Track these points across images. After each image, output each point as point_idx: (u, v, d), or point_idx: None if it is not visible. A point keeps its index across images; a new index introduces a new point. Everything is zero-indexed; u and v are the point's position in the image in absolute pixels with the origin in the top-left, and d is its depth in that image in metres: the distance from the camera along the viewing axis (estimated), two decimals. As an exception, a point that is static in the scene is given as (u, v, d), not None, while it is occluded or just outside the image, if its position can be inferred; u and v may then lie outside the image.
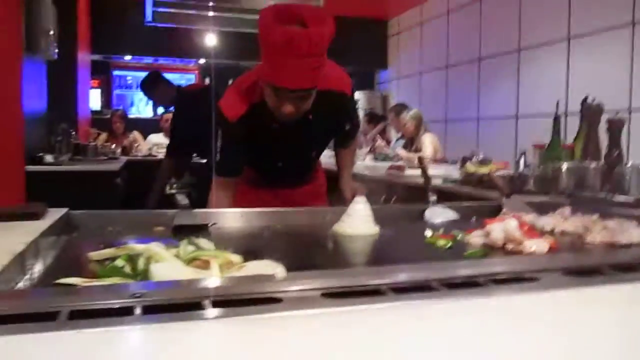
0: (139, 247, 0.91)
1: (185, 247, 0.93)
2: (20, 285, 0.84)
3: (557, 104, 2.44)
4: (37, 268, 0.95)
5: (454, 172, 2.95)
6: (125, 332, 0.57)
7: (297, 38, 1.55)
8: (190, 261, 0.88)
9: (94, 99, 7.57)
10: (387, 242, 1.34)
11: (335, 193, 2.23)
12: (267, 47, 1.60)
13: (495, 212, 1.58)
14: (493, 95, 5.69)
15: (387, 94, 8.11)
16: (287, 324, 0.60)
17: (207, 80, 8.14)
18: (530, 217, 1.47)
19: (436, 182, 2.64)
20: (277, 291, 0.67)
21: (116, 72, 8.30)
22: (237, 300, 0.64)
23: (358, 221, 1.34)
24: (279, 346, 0.55)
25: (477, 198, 2.25)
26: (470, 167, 2.59)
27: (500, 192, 1.71)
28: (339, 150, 2.23)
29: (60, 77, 4.78)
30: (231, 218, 1.47)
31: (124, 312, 0.62)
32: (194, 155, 4.03)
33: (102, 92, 7.93)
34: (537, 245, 1.12)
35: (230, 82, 2.09)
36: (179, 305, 0.63)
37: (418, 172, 1.99)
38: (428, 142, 4.94)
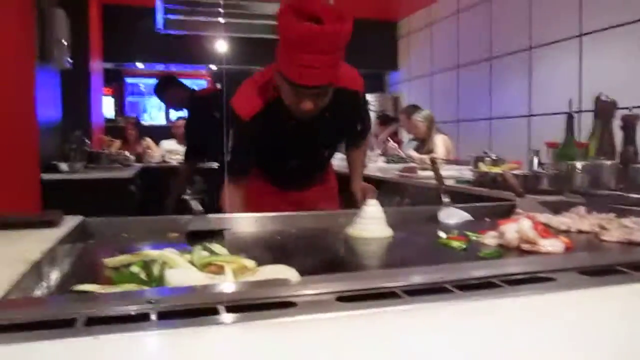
0: (153, 253, 0.92)
1: (199, 253, 0.94)
2: (38, 292, 0.85)
3: (570, 102, 2.43)
4: (54, 275, 0.96)
5: (467, 172, 2.93)
6: (141, 338, 0.57)
7: (316, 35, 1.59)
8: (204, 267, 0.88)
9: (107, 107, 7.64)
10: (401, 244, 1.33)
11: (346, 194, 2.24)
12: (286, 44, 1.64)
13: (509, 212, 1.57)
14: (505, 94, 5.66)
15: (398, 96, 8.10)
16: (302, 328, 0.60)
17: (219, 85, 8.19)
18: (544, 217, 1.46)
19: (449, 183, 2.63)
20: (291, 295, 0.67)
21: (129, 80, 8.37)
22: (251, 305, 0.65)
23: (371, 224, 1.34)
24: (294, 350, 0.55)
25: (490, 198, 2.24)
26: (483, 167, 2.58)
27: (513, 192, 1.70)
28: (350, 151, 2.24)
29: (73, 85, 4.84)
30: (245, 223, 1.47)
31: (140, 318, 0.62)
32: (206, 160, 4.05)
33: (115, 100, 8.01)
34: (553, 245, 1.11)
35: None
36: (194, 310, 0.64)
37: (430, 173, 1.98)
38: (440, 143, 4.93)
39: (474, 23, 6.15)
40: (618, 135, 2.11)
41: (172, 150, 6.53)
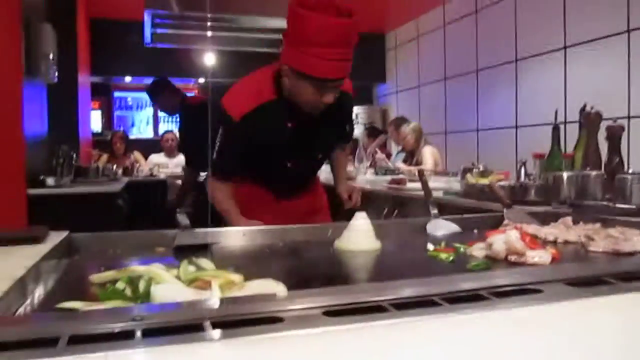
0: (139, 269, 0.91)
1: (186, 268, 0.93)
2: (21, 310, 0.84)
3: (556, 112, 2.45)
4: (38, 292, 0.94)
5: (455, 184, 2.94)
6: (126, 357, 0.56)
7: (338, 28, 1.66)
8: (191, 282, 0.87)
9: (95, 121, 7.61)
10: (389, 257, 1.33)
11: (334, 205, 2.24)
12: (306, 40, 1.67)
13: (497, 223, 1.57)
14: (492, 105, 5.71)
15: (387, 108, 8.14)
16: (289, 344, 0.59)
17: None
18: (532, 228, 1.47)
19: (437, 194, 2.64)
20: (278, 310, 0.67)
21: (117, 94, 8.35)
22: (238, 321, 0.64)
23: (359, 237, 1.34)
24: (280, 367, 0.54)
25: (478, 210, 2.25)
26: (471, 178, 2.59)
27: (501, 203, 1.71)
28: (335, 153, 2.26)
29: (60, 99, 4.81)
30: (233, 237, 1.47)
31: (125, 336, 0.61)
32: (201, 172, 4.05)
33: (102, 114, 7.98)
34: (540, 256, 1.11)
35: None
36: (180, 327, 0.63)
37: (419, 185, 1.99)
38: (428, 155, 4.95)
39: (461, 35, 6.21)
40: (604, 146, 2.13)
41: (160, 164, 6.51)
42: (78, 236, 1.34)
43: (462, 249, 1.25)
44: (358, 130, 7.59)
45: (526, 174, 2.44)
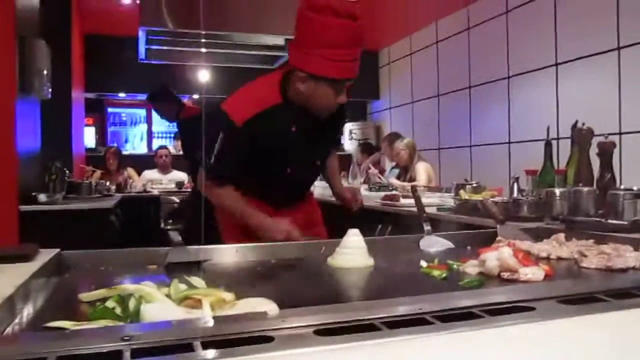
0: (130, 287, 0.90)
1: (177, 286, 0.92)
2: (9, 329, 0.83)
3: (548, 129, 2.46)
4: (27, 311, 0.93)
5: (449, 200, 2.95)
6: (113, 378, 0.56)
7: (352, 29, 1.78)
8: (181, 300, 0.87)
9: (89, 137, 7.59)
10: (383, 274, 1.33)
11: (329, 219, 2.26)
12: (324, 43, 1.76)
13: (490, 239, 1.57)
14: (485, 122, 5.74)
15: (380, 124, 8.17)
16: (279, 364, 0.59)
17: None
18: (525, 244, 1.47)
19: (431, 210, 2.64)
20: (269, 329, 0.66)
21: (110, 110, 8.34)
22: (228, 341, 0.63)
23: (353, 254, 1.33)
24: (270, 387, 0.53)
25: (472, 226, 2.25)
26: (464, 194, 2.59)
27: (494, 219, 1.71)
28: (329, 159, 2.31)
29: (54, 116, 4.81)
30: (225, 254, 1.46)
31: (113, 356, 0.60)
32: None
33: (96, 130, 7.96)
34: (533, 273, 1.11)
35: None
36: (169, 347, 0.62)
37: (412, 201, 1.99)
38: (422, 171, 4.96)
39: (453, 52, 6.27)
40: (596, 162, 2.14)
41: (154, 180, 6.49)
42: (68, 254, 1.33)
43: (455, 266, 1.25)
44: (352, 146, 7.62)
45: (519, 190, 2.44)
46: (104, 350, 0.61)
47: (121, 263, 1.34)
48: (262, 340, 0.63)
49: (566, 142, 2.38)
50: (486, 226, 1.96)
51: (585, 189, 1.95)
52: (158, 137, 8.54)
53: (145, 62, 4.75)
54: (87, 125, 7.46)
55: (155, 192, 5.95)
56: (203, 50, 4.57)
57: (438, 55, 6.62)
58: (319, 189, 2.45)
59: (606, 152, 2.06)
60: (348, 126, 7.92)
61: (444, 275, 1.17)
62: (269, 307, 0.77)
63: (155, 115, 8.48)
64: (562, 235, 1.54)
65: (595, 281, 1.13)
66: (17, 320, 0.87)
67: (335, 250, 1.36)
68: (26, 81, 3.62)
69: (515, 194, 2.42)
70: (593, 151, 2.13)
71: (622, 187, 1.87)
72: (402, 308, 0.76)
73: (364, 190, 4.85)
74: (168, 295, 0.89)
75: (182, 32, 3.95)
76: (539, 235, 1.65)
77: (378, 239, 1.69)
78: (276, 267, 1.39)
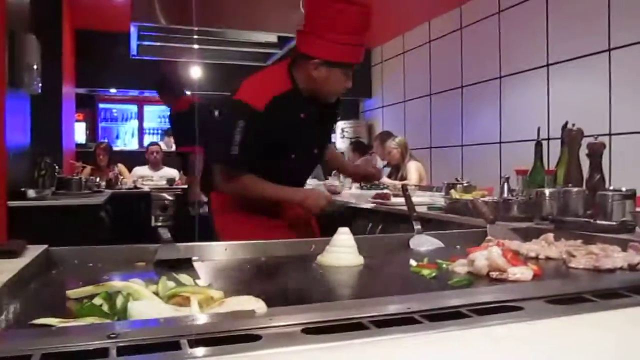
0: (117, 284, 0.90)
1: (165, 284, 0.92)
2: (-5, 326, 0.82)
3: (539, 129, 2.47)
4: (13, 308, 0.92)
5: (439, 199, 2.95)
6: (99, 375, 0.55)
7: (363, 15, 1.89)
8: (169, 298, 0.86)
9: (79, 132, 7.53)
10: (372, 272, 1.33)
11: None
12: (339, 29, 1.85)
13: (480, 238, 1.58)
14: (476, 121, 5.76)
15: (372, 123, 8.18)
16: (267, 362, 0.59)
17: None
18: (514, 244, 1.47)
19: (421, 209, 2.64)
20: (256, 328, 0.66)
21: (102, 105, 8.29)
22: (215, 339, 0.63)
23: (342, 252, 1.33)
24: (257, 386, 0.53)
25: (462, 225, 2.25)
26: (455, 194, 2.60)
27: (484, 218, 1.72)
28: (328, 152, 2.38)
29: (44, 111, 4.77)
30: (215, 251, 1.45)
31: (99, 354, 0.60)
32: None
33: (87, 125, 7.90)
34: (521, 273, 1.12)
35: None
36: (156, 344, 0.62)
37: (403, 200, 1.99)
38: (413, 170, 4.97)
39: (446, 52, 6.28)
40: (585, 163, 2.15)
41: (144, 176, 6.46)
42: (57, 250, 1.32)
43: (444, 265, 1.25)
44: (344, 145, 7.61)
45: (509, 190, 2.45)
46: (90, 348, 0.61)
47: (110, 260, 1.34)
48: (250, 338, 0.63)
49: (556, 142, 2.39)
50: (476, 226, 1.97)
51: (575, 189, 1.96)
52: (149, 134, 8.50)
53: (137, 57, 4.72)
54: (77, 120, 7.41)
55: (146, 188, 5.92)
56: (195, 46, 4.55)
57: (431, 54, 6.63)
58: (310, 186, 2.46)
59: (596, 153, 2.07)
60: (340, 124, 7.92)
61: (433, 274, 1.18)
62: (257, 305, 0.77)
63: (146, 112, 8.46)
64: (551, 235, 1.54)
65: (583, 281, 1.14)
66: (2, 317, 0.86)
67: (325, 248, 1.35)
68: (16, 76, 3.59)
69: (505, 194, 2.42)
70: (583, 152, 2.14)
71: (611, 187, 1.88)
72: (391, 307, 0.76)
73: (355, 189, 4.86)
74: (156, 293, 0.89)
75: (174, 28, 3.93)
76: (528, 235, 1.66)
77: (368, 238, 1.69)
78: (266, 265, 1.38)
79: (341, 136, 7.92)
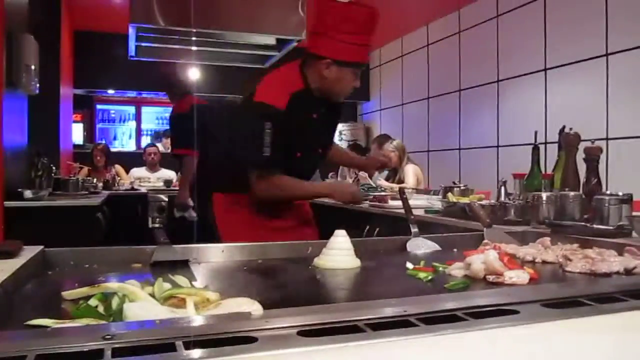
0: (113, 285, 0.89)
1: (161, 285, 0.92)
2: (-11, 327, 0.81)
3: (536, 133, 2.48)
4: (7, 309, 0.92)
5: (437, 202, 2.95)
6: (93, 377, 0.55)
7: (373, 16, 1.97)
8: (165, 299, 0.86)
9: (77, 133, 7.53)
10: (369, 275, 1.33)
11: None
12: (349, 28, 1.94)
13: (477, 242, 1.58)
14: (474, 125, 5.77)
15: (370, 126, 8.18)
16: (262, 365, 0.59)
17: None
18: (511, 247, 1.48)
19: (418, 212, 2.64)
20: (252, 330, 0.66)
21: (99, 106, 8.29)
22: (211, 340, 0.63)
23: (339, 254, 1.33)
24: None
25: (459, 228, 2.26)
26: (452, 197, 2.60)
27: (481, 222, 1.72)
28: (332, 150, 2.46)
29: (41, 111, 4.76)
30: (211, 253, 1.45)
31: (94, 355, 0.60)
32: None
33: (84, 126, 7.90)
34: (518, 276, 1.12)
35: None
36: (151, 346, 0.62)
37: (400, 203, 2.00)
38: (411, 173, 4.97)
39: (444, 56, 6.29)
40: (582, 167, 2.16)
41: (142, 178, 6.45)
42: (53, 251, 1.32)
43: (441, 268, 1.25)
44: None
45: (506, 194, 2.46)
46: (85, 349, 0.61)
47: (106, 261, 1.33)
48: (246, 340, 0.63)
49: (554, 146, 2.40)
50: (473, 229, 1.97)
51: (572, 193, 1.96)
52: (147, 135, 8.49)
53: (135, 59, 4.71)
54: (75, 121, 7.40)
55: (143, 190, 5.91)
56: (194, 48, 4.54)
57: (429, 58, 6.64)
58: None
59: (593, 157, 2.07)
60: (338, 127, 7.91)
61: (429, 277, 1.18)
62: (253, 307, 0.77)
63: (144, 113, 8.46)
64: (547, 239, 1.55)
65: (580, 285, 1.14)
66: (-3, 318, 0.86)
67: (322, 251, 1.35)
68: (14, 76, 3.58)
69: (502, 198, 2.43)
70: (580, 156, 2.15)
71: (607, 192, 1.89)
72: (387, 310, 0.76)
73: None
74: (152, 294, 0.89)
75: (173, 30, 3.93)
76: (525, 239, 1.66)
77: (365, 240, 1.69)
78: (262, 267, 1.38)
79: (339, 139, 7.92)
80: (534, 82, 4.86)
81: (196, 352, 0.60)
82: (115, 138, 8.53)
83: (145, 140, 8.16)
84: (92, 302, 0.87)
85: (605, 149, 2.20)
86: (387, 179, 5.19)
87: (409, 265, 1.28)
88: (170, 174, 6.49)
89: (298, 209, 2.25)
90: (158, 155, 6.63)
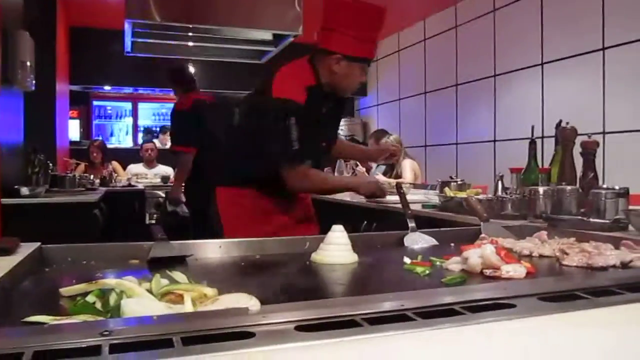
0: (110, 281, 0.89)
1: (159, 281, 0.92)
2: (-13, 324, 0.81)
3: (532, 128, 2.48)
4: (5, 306, 0.92)
5: (434, 197, 2.96)
6: (91, 373, 0.55)
7: (382, 13, 2.10)
8: (163, 295, 0.86)
9: (73, 129, 7.51)
10: (366, 270, 1.33)
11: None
12: (360, 24, 2.03)
13: (474, 236, 1.58)
14: (471, 119, 5.77)
15: (367, 121, 8.18)
16: (260, 360, 0.59)
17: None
18: (508, 242, 1.48)
19: (416, 207, 2.64)
20: (249, 325, 0.66)
21: (96, 102, 8.26)
22: (208, 336, 0.63)
23: (336, 250, 1.33)
24: (250, 383, 0.53)
25: (456, 223, 2.26)
26: (449, 191, 2.61)
27: (478, 216, 1.72)
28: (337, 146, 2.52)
29: (38, 108, 4.75)
30: (209, 249, 1.45)
31: (92, 351, 0.60)
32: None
33: (81, 123, 7.88)
34: (515, 270, 1.12)
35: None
36: (149, 342, 0.62)
37: (398, 197, 2.00)
38: (408, 168, 4.97)
39: (441, 50, 6.29)
40: (579, 161, 2.16)
41: (139, 174, 6.44)
42: (50, 248, 1.32)
43: (438, 263, 1.25)
44: (339, 143, 7.60)
45: (503, 188, 2.46)
46: (83, 345, 0.61)
47: (103, 257, 1.33)
48: (243, 336, 0.63)
49: (550, 141, 2.40)
50: (470, 223, 1.97)
51: (568, 187, 1.97)
52: (140, 132, 8.47)
53: (131, 55, 4.70)
54: (72, 118, 7.38)
55: (140, 186, 5.91)
56: (190, 44, 4.53)
57: (426, 52, 6.64)
58: None
59: (589, 151, 2.08)
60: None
61: (427, 272, 1.18)
62: (250, 302, 0.77)
63: (141, 109, 8.44)
64: (544, 233, 1.55)
65: (576, 279, 1.14)
66: (-5, 315, 0.86)
67: (319, 246, 1.35)
68: (9, 73, 3.57)
69: (499, 192, 2.44)
70: (577, 150, 2.15)
71: (604, 186, 1.89)
72: (384, 304, 0.76)
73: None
74: (149, 290, 0.88)
75: (169, 26, 3.92)
76: (521, 233, 1.66)
77: (362, 235, 1.69)
78: (260, 263, 1.38)
79: (336, 134, 7.91)
80: (530, 76, 4.86)
81: (193, 348, 0.60)
82: (112, 134, 8.51)
83: (142, 137, 8.14)
84: (90, 298, 0.87)
85: (601, 143, 2.20)
86: (384, 174, 5.19)
87: (407, 259, 1.28)
88: (167, 170, 6.48)
89: (301, 203, 2.28)
90: (155, 151, 6.62)
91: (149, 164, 6.60)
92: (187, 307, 0.79)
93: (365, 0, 2.05)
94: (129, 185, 5.95)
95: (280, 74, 2.11)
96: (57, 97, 5.54)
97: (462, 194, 2.50)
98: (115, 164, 6.57)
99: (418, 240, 1.61)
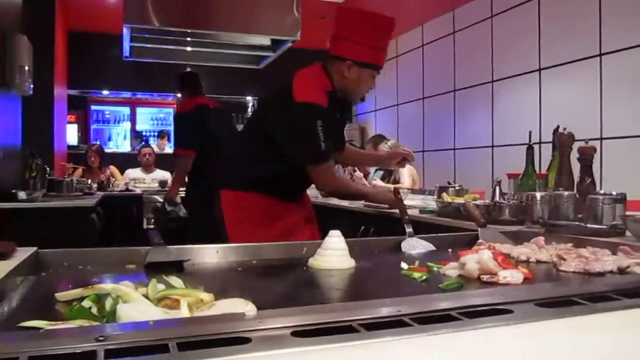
0: (107, 286, 0.89)
1: (155, 286, 0.91)
2: (-18, 329, 0.81)
3: (530, 133, 2.49)
4: (1, 310, 0.91)
5: (431, 202, 2.96)
6: (86, 378, 0.55)
7: (391, 23, 2.17)
8: (159, 300, 0.86)
9: (71, 134, 7.50)
10: (363, 275, 1.33)
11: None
12: (372, 32, 2.13)
13: (471, 242, 1.58)
14: (468, 125, 5.78)
15: (365, 126, 8.18)
16: (256, 365, 0.58)
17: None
18: (505, 247, 1.48)
19: (413, 212, 2.64)
20: (245, 330, 0.66)
21: (94, 107, 8.26)
22: (204, 342, 0.63)
23: (334, 255, 1.33)
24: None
25: (453, 228, 2.26)
26: (447, 197, 2.61)
27: (476, 222, 1.72)
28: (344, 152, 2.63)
29: (35, 112, 4.74)
30: (206, 254, 1.44)
31: (87, 357, 0.59)
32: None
33: (79, 127, 7.88)
34: (512, 276, 1.12)
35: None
36: (144, 347, 0.61)
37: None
38: (406, 173, 4.97)
39: (438, 56, 6.30)
40: (577, 167, 2.16)
41: (137, 179, 6.43)
42: (46, 252, 1.31)
43: (435, 268, 1.25)
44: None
45: (501, 194, 2.46)
46: (78, 351, 0.60)
47: (100, 262, 1.33)
48: (239, 341, 0.63)
49: (548, 146, 2.40)
50: (467, 229, 1.98)
51: (566, 193, 1.97)
52: (134, 137, 8.46)
53: (129, 59, 4.70)
54: (69, 122, 7.38)
55: (138, 191, 5.90)
56: (188, 49, 4.53)
57: (423, 58, 6.65)
58: (313, 189, 2.52)
59: (586, 156, 2.08)
60: (333, 128, 7.91)
61: (424, 277, 1.18)
62: (247, 308, 0.77)
63: (139, 114, 8.44)
64: (541, 239, 1.55)
65: (574, 284, 1.14)
66: (-10, 320, 0.86)
67: (317, 251, 1.35)
68: (7, 77, 3.57)
69: (497, 198, 2.44)
70: (574, 156, 2.15)
71: (601, 191, 1.89)
72: (381, 310, 0.76)
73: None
74: (146, 296, 0.88)
75: (167, 30, 3.91)
76: (519, 239, 1.67)
77: (359, 241, 1.69)
78: (257, 268, 1.38)
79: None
80: (528, 82, 4.87)
81: (189, 354, 0.59)
82: (109, 139, 8.51)
83: (135, 142, 8.13)
84: (86, 303, 0.87)
85: (599, 148, 2.21)
86: (382, 179, 5.19)
87: (404, 265, 1.28)
88: (165, 175, 6.47)
89: (305, 206, 2.32)
90: (153, 156, 6.61)
91: (147, 169, 6.59)
92: (184, 312, 0.79)
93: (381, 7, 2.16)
94: (127, 189, 5.94)
95: (298, 79, 2.16)
96: (55, 102, 5.53)
97: (460, 200, 2.50)
98: (112, 168, 6.56)
99: (415, 245, 1.61)
